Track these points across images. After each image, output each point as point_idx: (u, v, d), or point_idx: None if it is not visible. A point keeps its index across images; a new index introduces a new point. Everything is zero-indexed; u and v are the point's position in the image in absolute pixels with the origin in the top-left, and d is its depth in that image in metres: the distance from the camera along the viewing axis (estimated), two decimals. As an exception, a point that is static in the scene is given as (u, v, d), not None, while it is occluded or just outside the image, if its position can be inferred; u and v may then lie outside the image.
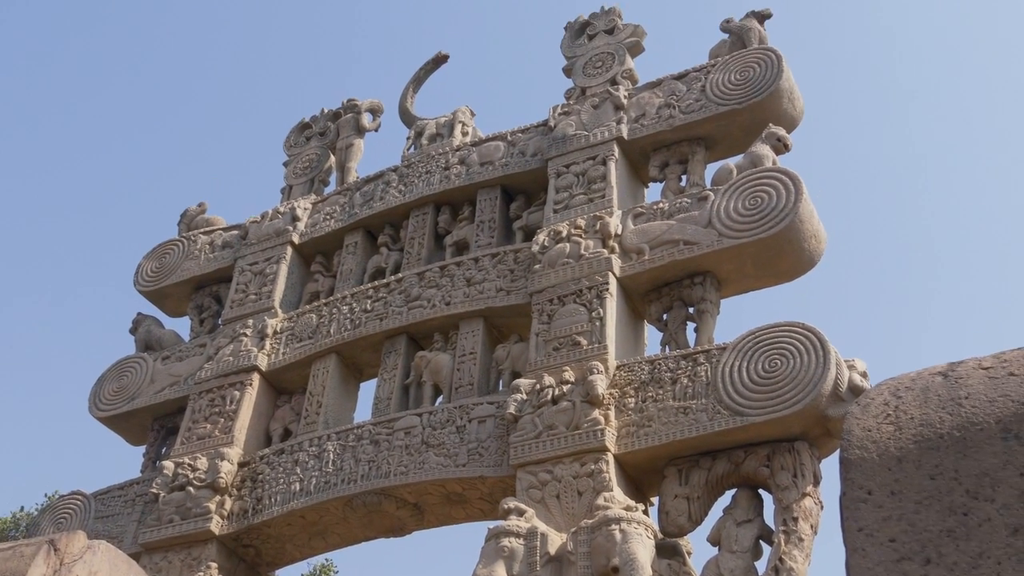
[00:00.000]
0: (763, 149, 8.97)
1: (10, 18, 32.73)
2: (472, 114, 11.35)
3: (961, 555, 2.87)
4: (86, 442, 29.97)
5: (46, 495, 19.69)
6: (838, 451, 3.32)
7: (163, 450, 10.62)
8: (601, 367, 8.09)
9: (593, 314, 8.49)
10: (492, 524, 7.54)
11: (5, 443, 29.95)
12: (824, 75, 28.60)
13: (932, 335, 28.81)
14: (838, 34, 30.95)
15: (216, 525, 9.17)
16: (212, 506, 9.22)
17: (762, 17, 10.09)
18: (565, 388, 8.11)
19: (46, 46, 33.33)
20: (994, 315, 27.97)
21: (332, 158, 11.91)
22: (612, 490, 7.53)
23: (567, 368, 8.25)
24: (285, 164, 12.10)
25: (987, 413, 3.05)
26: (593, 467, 7.71)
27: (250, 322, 10.48)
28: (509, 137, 10.47)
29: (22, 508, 20.02)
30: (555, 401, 8.08)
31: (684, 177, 9.46)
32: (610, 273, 8.67)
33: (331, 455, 9.08)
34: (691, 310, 8.67)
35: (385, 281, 10.06)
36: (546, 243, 9.10)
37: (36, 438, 30.38)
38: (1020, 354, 3.19)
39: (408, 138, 11.35)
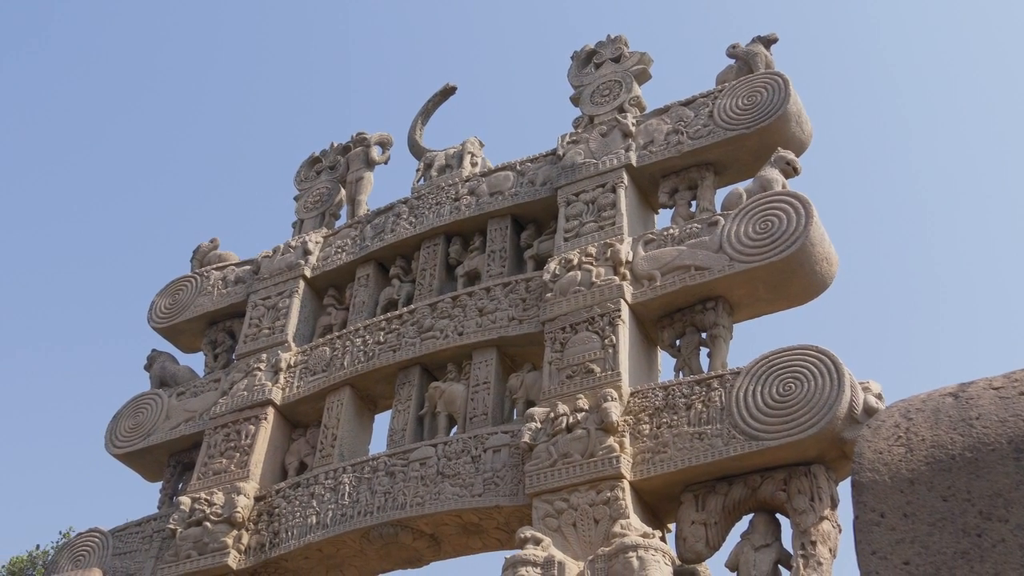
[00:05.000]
0: (772, 173, 8.98)
1: (24, 63, 33.01)
2: (481, 145, 11.40)
3: (976, 576, 2.86)
4: (102, 479, 30.00)
5: (61, 532, 19.73)
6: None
7: (179, 486, 10.64)
8: (615, 394, 8.08)
9: (606, 341, 8.49)
10: (509, 554, 7.53)
11: (21, 481, 29.99)
12: (832, 97, 28.64)
13: (946, 354, 28.70)
14: (844, 56, 31.01)
15: (234, 560, 9.17)
16: (229, 541, 9.22)
17: (768, 42, 10.12)
18: (579, 416, 8.10)
19: (57, 88, 33.59)
20: (1007, 332, 27.87)
21: (342, 191, 11.96)
22: (629, 517, 7.51)
23: (581, 396, 8.25)
24: (296, 199, 12.15)
25: (998, 433, 3.04)
26: (609, 494, 7.69)
27: (264, 356, 10.50)
28: (518, 167, 10.50)
29: (38, 546, 20.04)
30: (569, 429, 8.07)
31: (694, 203, 9.48)
32: (622, 300, 8.67)
33: (347, 487, 9.08)
34: (704, 335, 8.66)
35: (398, 313, 10.08)
36: (557, 271, 9.11)
37: (52, 476, 30.42)
38: (1030, 373, 3.18)
39: (418, 170, 11.40)
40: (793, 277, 8.52)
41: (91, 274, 33.26)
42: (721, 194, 9.39)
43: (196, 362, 11.59)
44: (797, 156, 9.27)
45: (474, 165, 11.10)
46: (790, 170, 9.08)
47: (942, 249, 29.42)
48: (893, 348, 28.56)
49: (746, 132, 9.37)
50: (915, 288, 29.59)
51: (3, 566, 19.51)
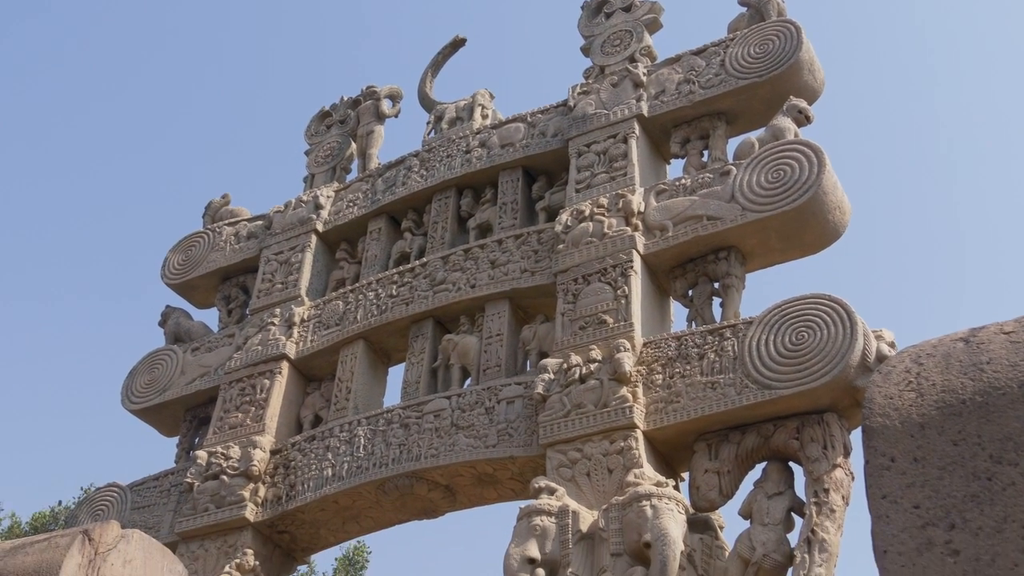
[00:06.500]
0: (784, 122, 8.93)
1: (32, 21, 32.91)
2: (491, 97, 11.34)
3: (986, 519, 2.87)
4: (120, 435, 30.23)
5: (82, 488, 19.94)
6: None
7: (196, 440, 10.71)
8: (628, 344, 8.09)
9: (618, 292, 8.49)
10: (523, 504, 7.58)
11: (42, 439, 30.26)
12: (844, 45, 28.39)
13: (960, 303, 28.63)
14: (857, 3, 30.69)
15: (251, 512, 9.25)
16: (246, 494, 9.30)
17: (780, -11, 10.02)
18: (592, 367, 8.12)
19: (67, 46, 33.51)
20: (1022, 281, 27.77)
21: (353, 145, 11.94)
22: (642, 467, 7.54)
23: (594, 347, 8.26)
24: (307, 153, 12.13)
25: (1009, 377, 3.04)
26: (623, 444, 7.72)
27: (277, 311, 10.54)
28: (529, 118, 10.47)
29: (60, 502, 20.28)
30: (583, 380, 8.10)
31: (706, 152, 9.44)
32: (634, 251, 8.66)
33: (362, 440, 9.14)
34: (716, 285, 8.65)
35: (410, 266, 10.09)
36: (569, 223, 9.10)
37: (71, 433, 30.67)
38: (1042, 318, 3.18)
39: (428, 123, 11.36)
40: (806, 226, 8.49)
41: (102, 229, 33.36)
42: (733, 143, 9.34)
43: (210, 318, 11.65)
44: (809, 104, 9.21)
45: (485, 117, 11.05)
46: (802, 119, 9.03)
47: (956, 197, 29.27)
48: (907, 297, 28.51)
49: (758, 81, 9.31)
50: (928, 237, 29.47)
51: (26, 522, 19.75)
